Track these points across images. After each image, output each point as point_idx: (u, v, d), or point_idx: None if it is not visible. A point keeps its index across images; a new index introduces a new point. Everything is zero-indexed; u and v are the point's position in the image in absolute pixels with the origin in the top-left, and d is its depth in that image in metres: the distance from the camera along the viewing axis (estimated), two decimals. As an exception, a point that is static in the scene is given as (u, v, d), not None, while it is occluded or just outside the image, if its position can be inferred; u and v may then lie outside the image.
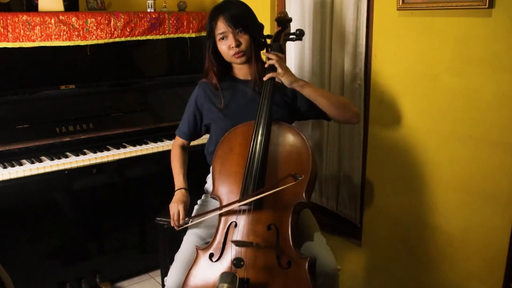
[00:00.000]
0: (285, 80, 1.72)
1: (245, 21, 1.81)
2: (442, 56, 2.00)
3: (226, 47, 1.81)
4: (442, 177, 2.09)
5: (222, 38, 1.80)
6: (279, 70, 1.71)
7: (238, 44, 1.78)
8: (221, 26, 1.78)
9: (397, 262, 2.34)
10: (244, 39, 1.80)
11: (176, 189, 1.92)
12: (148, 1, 2.78)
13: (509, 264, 1.91)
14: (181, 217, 1.81)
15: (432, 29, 2.01)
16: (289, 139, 1.72)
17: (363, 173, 2.42)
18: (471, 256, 2.04)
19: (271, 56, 1.73)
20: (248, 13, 1.85)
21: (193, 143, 2.66)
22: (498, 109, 1.86)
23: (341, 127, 2.50)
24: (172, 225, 1.85)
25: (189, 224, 1.83)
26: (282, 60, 1.75)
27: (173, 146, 2.05)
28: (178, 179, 1.95)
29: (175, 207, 1.83)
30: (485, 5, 1.80)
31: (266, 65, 1.76)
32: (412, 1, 2.03)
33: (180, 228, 1.83)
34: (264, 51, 1.89)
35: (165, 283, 1.79)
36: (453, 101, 1.99)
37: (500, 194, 1.91)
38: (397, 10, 2.10)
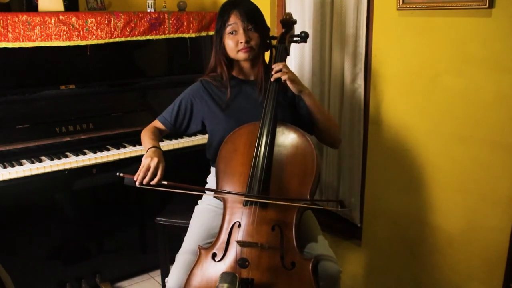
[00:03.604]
0: (294, 87, 1.73)
1: (257, 19, 1.82)
2: (442, 56, 2.00)
3: (234, 42, 1.79)
4: (442, 177, 2.09)
5: (231, 33, 1.79)
6: (289, 74, 1.71)
7: (247, 40, 1.78)
8: (234, 18, 1.78)
9: (397, 262, 2.34)
10: (254, 36, 1.80)
11: (148, 147, 1.76)
12: (148, 1, 2.78)
13: (509, 264, 1.91)
14: (159, 173, 1.65)
15: (432, 29, 2.01)
16: (294, 140, 1.72)
17: (363, 173, 2.42)
18: (471, 256, 2.04)
19: (279, 66, 1.72)
20: (260, 12, 1.86)
21: (193, 143, 2.66)
22: (498, 109, 1.86)
23: (341, 127, 2.50)
24: (137, 179, 1.63)
25: (161, 185, 1.65)
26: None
27: (147, 126, 1.96)
28: (150, 142, 1.81)
29: (152, 161, 1.66)
30: (485, 5, 1.80)
31: (273, 72, 1.74)
32: (412, 1, 2.03)
33: (143, 186, 1.64)
34: (268, 52, 1.92)
35: (165, 284, 1.79)
36: (453, 101, 1.99)
37: (500, 195, 1.91)
38: (397, 10, 2.10)
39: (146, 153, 1.74)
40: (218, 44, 1.85)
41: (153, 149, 1.75)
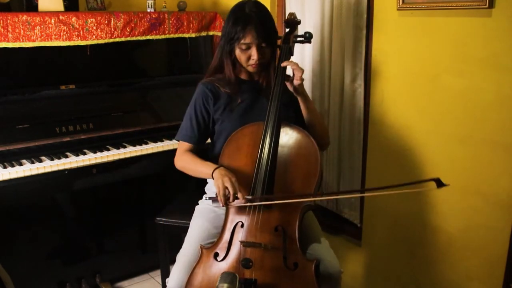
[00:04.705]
0: (300, 86, 1.73)
1: (271, 34, 1.80)
2: (442, 56, 2.00)
3: (246, 56, 1.78)
4: (442, 177, 2.07)
5: (244, 47, 1.76)
6: (300, 72, 1.72)
7: (260, 58, 1.76)
8: (250, 38, 1.73)
9: (397, 262, 2.34)
10: (266, 53, 1.79)
11: (212, 171, 1.69)
12: (148, 1, 2.78)
13: (509, 264, 1.91)
14: (242, 193, 1.59)
15: (432, 29, 2.01)
16: (298, 141, 1.72)
17: (363, 173, 2.42)
18: (471, 256, 2.05)
19: (289, 63, 1.73)
20: (274, 26, 1.83)
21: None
22: (498, 109, 1.87)
23: (341, 127, 2.50)
24: (223, 203, 1.60)
25: (254, 203, 1.61)
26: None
27: (178, 154, 1.89)
28: (207, 166, 1.75)
29: (228, 181, 1.60)
30: (485, 5, 1.80)
31: (282, 64, 1.76)
32: (412, 1, 2.03)
33: (229, 205, 1.62)
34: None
35: (166, 284, 1.79)
36: (453, 101, 1.99)
37: (500, 194, 1.91)
38: (397, 10, 2.10)
39: (215, 176, 1.67)
40: (228, 50, 1.80)
41: (217, 170, 1.68)
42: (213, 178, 1.68)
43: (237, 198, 1.60)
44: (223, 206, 1.63)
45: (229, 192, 1.60)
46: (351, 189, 2.51)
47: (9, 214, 2.26)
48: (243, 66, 1.83)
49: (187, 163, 1.85)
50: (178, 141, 1.92)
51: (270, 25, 1.80)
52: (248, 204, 1.63)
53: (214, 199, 1.67)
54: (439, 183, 1.44)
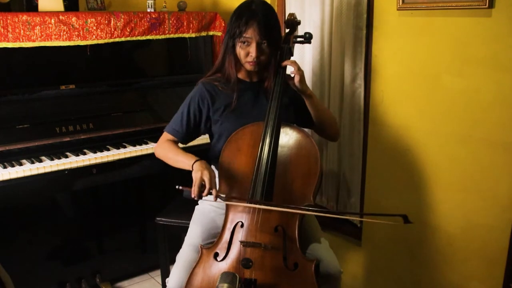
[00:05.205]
0: (301, 84, 1.73)
1: (274, 35, 1.77)
2: (442, 56, 2.00)
3: (245, 52, 1.76)
4: (442, 177, 2.09)
5: (244, 42, 1.75)
6: (301, 72, 1.72)
7: (258, 56, 1.74)
8: (250, 32, 1.71)
9: (397, 262, 2.34)
10: (265, 52, 1.76)
11: (193, 162, 1.69)
12: (148, 1, 2.78)
13: (509, 264, 1.92)
14: (214, 186, 1.60)
15: (432, 29, 2.01)
16: (298, 141, 1.72)
17: (363, 173, 2.42)
18: (471, 256, 2.05)
19: (289, 62, 1.74)
20: (278, 27, 1.81)
21: (192, 142, 2.66)
22: (498, 109, 1.87)
23: (341, 127, 2.50)
24: (196, 195, 1.59)
25: (221, 200, 1.63)
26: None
27: (159, 142, 1.90)
28: (188, 156, 1.74)
29: (207, 174, 1.60)
30: (485, 5, 1.80)
31: (282, 64, 1.78)
32: (412, 1, 2.03)
33: (201, 199, 1.62)
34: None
35: (166, 284, 1.79)
36: (453, 101, 2.00)
37: (500, 194, 1.91)
38: (397, 10, 2.10)
39: (194, 167, 1.66)
40: (231, 47, 1.79)
41: (199, 162, 1.68)
42: (192, 169, 1.67)
43: (211, 194, 1.60)
44: (194, 197, 1.59)
45: (204, 185, 1.59)
46: (348, 190, 2.52)
47: (9, 214, 2.26)
48: (242, 64, 1.82)
49: (168, 151, 1.84)
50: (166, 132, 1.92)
51: (273, 24, 1.78)
52: (215, 201, 1.63)
53: (186, 190, 1.63)
54: (406, 220, 1.49)
